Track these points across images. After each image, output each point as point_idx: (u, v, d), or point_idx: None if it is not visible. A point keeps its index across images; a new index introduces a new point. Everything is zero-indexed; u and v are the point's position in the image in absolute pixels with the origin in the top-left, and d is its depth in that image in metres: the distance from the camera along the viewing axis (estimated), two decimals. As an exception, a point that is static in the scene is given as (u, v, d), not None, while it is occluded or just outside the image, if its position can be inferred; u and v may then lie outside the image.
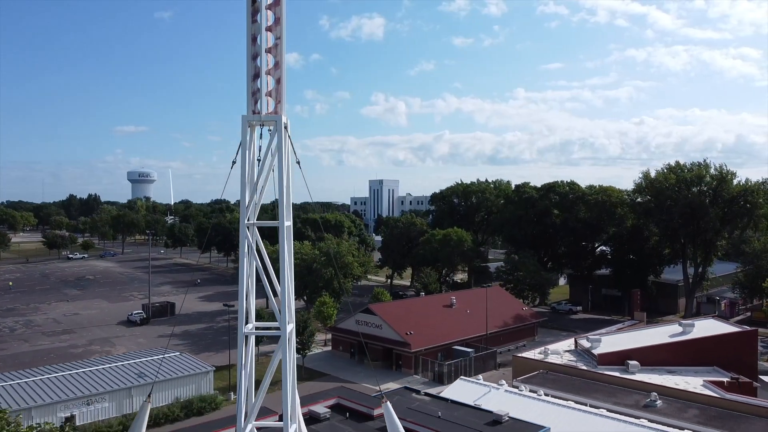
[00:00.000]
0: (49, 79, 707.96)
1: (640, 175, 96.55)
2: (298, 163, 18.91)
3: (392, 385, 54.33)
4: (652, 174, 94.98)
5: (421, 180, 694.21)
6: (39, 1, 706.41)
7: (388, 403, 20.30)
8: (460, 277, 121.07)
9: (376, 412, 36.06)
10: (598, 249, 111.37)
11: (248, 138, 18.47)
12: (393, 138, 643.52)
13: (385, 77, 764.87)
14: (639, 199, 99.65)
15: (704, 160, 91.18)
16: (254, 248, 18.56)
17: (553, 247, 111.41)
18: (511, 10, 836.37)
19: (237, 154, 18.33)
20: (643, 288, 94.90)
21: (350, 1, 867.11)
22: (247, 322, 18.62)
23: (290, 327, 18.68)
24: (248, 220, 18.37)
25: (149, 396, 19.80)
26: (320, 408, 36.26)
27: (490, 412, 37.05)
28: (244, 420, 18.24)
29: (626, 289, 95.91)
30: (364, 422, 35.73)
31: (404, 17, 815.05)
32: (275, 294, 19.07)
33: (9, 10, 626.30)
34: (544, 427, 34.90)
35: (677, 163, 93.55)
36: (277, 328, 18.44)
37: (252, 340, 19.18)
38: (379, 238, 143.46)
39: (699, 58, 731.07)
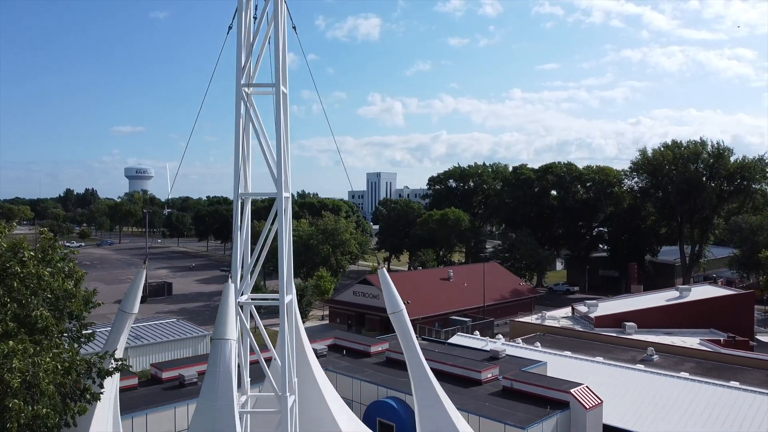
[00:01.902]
0: (48, 79, 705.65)
1: (638, 154, 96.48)
2: (294, 28, 19.00)
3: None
4: (649, 152, 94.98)
5: (418, 180, 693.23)
6: (39, 1, 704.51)
7: (384, 269, 20.33)
8: (458, 259, 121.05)
9: (372, 349, 36.01)
10: (596, 230, 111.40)
11: (243, 1, 18.47)
12: (390, 138, 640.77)
13: (382, 77, 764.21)
14: (635, 179, 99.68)
15: (700, 138, 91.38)
16: (251, 116, 18.55)
17: (551, 228, 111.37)
18: (506, 11, 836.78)
19: (233, 19, 18.38)
20: (640, 267, 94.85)
21: (346, 1, 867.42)
22: (245, 188, 18.66)
23: (287, 194, 18.66)
24: (243, 82, 18.33)
25: (145, 263, 19.86)
26: (317, 345, 36.10)
27: (488, 351, 37.04)
28: (240, 283, 18.25)
29: (623, 269, 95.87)
30: (360, 358, 35.63)
31: (400, 18, 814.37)
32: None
33: (9, 10, 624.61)
34: (541, 361, 34.92)
35: (674, 141, 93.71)
36: (273, 197, 18.39)
37: (248, 203, 19.17)
38: (376, 227, 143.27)
39: (694, 59, 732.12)
